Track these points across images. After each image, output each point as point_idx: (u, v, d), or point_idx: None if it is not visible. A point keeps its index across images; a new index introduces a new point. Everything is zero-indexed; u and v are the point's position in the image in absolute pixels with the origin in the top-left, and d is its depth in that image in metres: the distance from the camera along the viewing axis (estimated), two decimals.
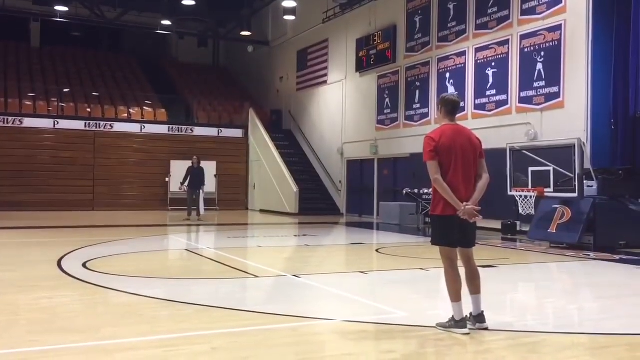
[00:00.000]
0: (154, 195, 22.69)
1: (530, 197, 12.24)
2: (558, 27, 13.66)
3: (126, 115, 23.79)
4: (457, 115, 5.08)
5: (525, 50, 14.48)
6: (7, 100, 22.17)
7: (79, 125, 22.24)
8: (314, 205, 21.33)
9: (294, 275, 7.72)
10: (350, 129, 21.63)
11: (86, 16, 24.86)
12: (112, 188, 22.32)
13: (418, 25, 18.29)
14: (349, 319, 5.28)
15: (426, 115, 17.84)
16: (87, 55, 28.18)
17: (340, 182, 22.12)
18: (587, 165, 11.94)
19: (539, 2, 14.20)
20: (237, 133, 24.84)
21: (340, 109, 22.17)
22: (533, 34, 14.29)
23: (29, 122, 21.57)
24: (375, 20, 20.30)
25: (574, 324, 5.53)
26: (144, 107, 24.54)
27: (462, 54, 16.42)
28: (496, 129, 14.87)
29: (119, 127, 22.87)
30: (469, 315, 4.83)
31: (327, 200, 22.43)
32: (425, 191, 14.73)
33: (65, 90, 24.13)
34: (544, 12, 14.03)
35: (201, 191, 17.71)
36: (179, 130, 23.81)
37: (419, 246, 11.98)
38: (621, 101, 12.79)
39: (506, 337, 4.70)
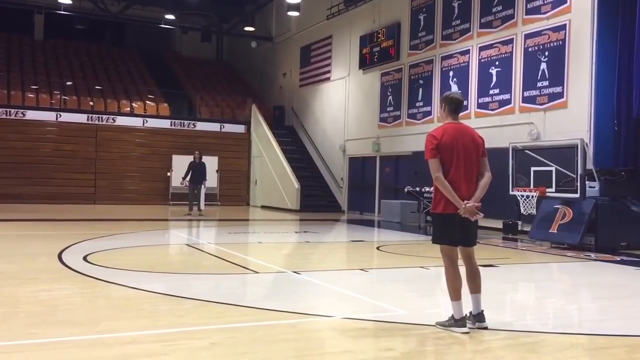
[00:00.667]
0: (156, 189, 22.70)
1: (532, 197, 12.22)
2: (562, 27, 13.61)
3: (128, 109, 23.79)
4: (460, 114, 5.07)
5: (529, 49, 14.44)
6: (10, 93, 22.18)
7: (81, 118, 22.24)
8: (316, 202, 21.34)
9: (294, 272, 7.72)
10: (352, 126, 21.61)
11: (90, 9, 24.84)
12: (113, 182, 22.34)
13: (422, 23, 18.25)
14: (349, 316, 5.27)
15: (429, 113, 17.82)
16: (90, 49, 28.17)
17: (341, 179, 22.11)
18: (590, 165, 11.91)
19: (543, 1, 14.16)
20: (239, 128, 24.83)
21: (343, 106, 22.15)
22: (537, 34, 14.25)
23: (31, 115, 21.58)
24: (379, 18, 20.26)
25: (574, 325, 5.52)
26: (147, 101, 24.53)
27: (466, 52, 16.39)
28: (499, 128, 14.85)
29: (121, 120, 22.88)
30: (468, 314, 4.82)
31: (329, 197, 22.43)
32: (427, 189, 14.71)
33: (68, 83, 24.13)
34: (549, 11, 13.99)
35: (202, 186, 17.71)
36: (181, 125, 23.81)
37: (419, 244, 11.97)
38: (624, 102, 12.75)
39: (505, 337, 4.69)
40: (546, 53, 14.01)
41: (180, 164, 20.24)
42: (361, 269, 8.25)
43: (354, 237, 13.45)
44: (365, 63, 20.70)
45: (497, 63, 15.40)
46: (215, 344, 4.31)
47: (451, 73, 16.94)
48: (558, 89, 13.68)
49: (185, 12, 25.50)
